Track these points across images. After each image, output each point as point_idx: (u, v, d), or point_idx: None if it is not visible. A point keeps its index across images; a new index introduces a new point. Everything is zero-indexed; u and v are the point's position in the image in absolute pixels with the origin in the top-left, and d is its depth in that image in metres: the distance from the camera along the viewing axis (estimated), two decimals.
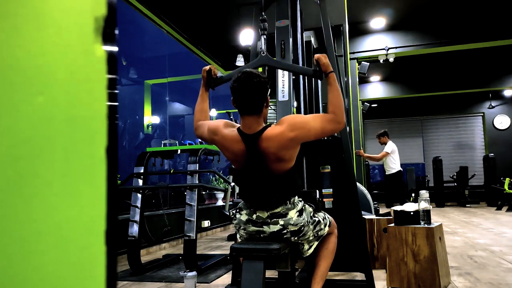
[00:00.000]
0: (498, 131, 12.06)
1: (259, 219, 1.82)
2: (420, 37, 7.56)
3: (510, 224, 6.19)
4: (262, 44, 2.22)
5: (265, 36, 2.25)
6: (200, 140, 2.12)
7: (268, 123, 1.88)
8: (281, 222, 1.80)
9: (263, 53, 2.16)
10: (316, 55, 1.93)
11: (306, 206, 1.92)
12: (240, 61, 7.00)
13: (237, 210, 1.94)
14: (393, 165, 6.56)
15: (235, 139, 1.80)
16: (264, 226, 1.82)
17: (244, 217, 1.87)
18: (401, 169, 6.68)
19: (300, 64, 2.91)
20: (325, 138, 3.07)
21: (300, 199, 1.92)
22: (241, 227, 1.90)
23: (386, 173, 6.75)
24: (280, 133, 1.73)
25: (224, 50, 7.67)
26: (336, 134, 2.83)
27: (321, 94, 3.94)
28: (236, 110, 1.84)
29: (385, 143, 6.64)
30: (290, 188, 1.83)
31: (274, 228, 1.80)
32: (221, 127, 1.86)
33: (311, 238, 1.92)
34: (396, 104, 12.58)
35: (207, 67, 2.08)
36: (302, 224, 1.82)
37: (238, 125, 1.86)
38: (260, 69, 2.50)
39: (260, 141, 1.74)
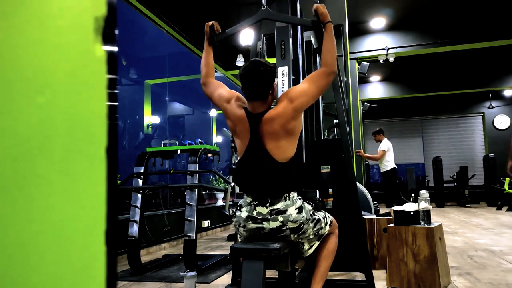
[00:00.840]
0: (498, 131, 12.06)
1: (259, 215, 1.84)
2: (420, 37, 7.56)
3: (510, 224, 6.19)
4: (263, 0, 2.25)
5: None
6: (214, 103, 2.19)
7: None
8: (281, 218, 1.81)
9: (264, 7, 2.20)
10: (315, 5, 2.01)
11: (305, 204, 1.93)
12: (240, 61, 7.00)
13: (238, 208, 1.95)
14: (387, 162, 6.66)
15: (241, 117, 1.89)
16: (264, 223, 1.83)
17: (244, 214, 1.88)
18: (396, 166, 6.76)
19: (300, 66, 2.91)
20: (325, 138, 3.08)
21: (300, 197, 1.93)
22: (241, 225, 1.90)
23: (381, 171, 6.82)
24: (282, 108, 1.83)
25: (224, 50, 7.68)
26: (335, 130, 2.83)
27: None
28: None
29: (380, 141, 6.76)
30: (289, 178, 1.85)
31: (274, 224, 1.81)
32: (235, 99, 1.96)
33: (311, 236, 1.92)
34: (396, 104, 12.58)
35: (210, 23, 2.17)
36: (301, 221, 1.83)
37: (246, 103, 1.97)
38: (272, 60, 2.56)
39: (263, 121, 1.83)
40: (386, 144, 6.70)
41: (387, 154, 6.67)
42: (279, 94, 2.45)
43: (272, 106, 1.95)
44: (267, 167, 1.84)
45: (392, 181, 6.73)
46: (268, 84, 1.87)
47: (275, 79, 1.92)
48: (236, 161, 2.04)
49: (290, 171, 1.86)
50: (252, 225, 1.86)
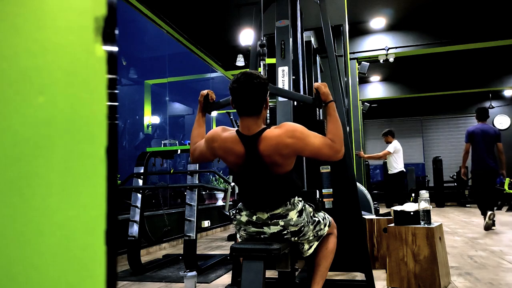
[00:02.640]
0: None
1: (259, 220, 1.82)
2: (420, 37, 7.56)
3: (510, 224, 6.19)
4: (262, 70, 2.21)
5: (264, 62, 2.24)
6: (202, 162, 2.09)
7: (267, 125, 1.86)
8: (281, 223, 1.79)
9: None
10: (316, 84, 1.92)
11: (306, 206, 1.91)
12: (240, 61, 7.00)
13: (237, 211, 1.94)
14: (396, 164, 6.53)
15: (234, 141, 1.77)
16: (264, 227, 1.82)
17: (244, 218, 1.87)
18: (404, 170, 6.66)
19: (300, 66, 2.91)
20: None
21: (300, 199, 1.92)
22: (242, 228, 1.90)
23: (388, 172, 6.74)
24: (278, 135, 1.71)
25: (224, 50, 7.67)
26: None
27: None
28: (235, 111, 1.83)
29: (390, 142, 6.63)
30: (289, 189, 1.82)
31: (275, 229, 1.80)
32: (219, 131, 1.84)
33: (311, 238, 1.92)
34: (396, 104, 12.58)
35: (205, 92, 2.06)
36: (302, 224, 1.82)
37: (235, 128, 1.84)
38: (260, 69, 2.50)
39: (259, 143, 1.72)
40: (393, 146, 6.57)
41: (396, 156, 6.51)
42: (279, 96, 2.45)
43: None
44: (265, 180, 1.77)
45: (397, 185, 6.58)
46: (262, 98, 1.74)
47: (268, 92, 1.81)
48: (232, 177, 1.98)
49: (290, 182, 1.80)
50: (252, 229, 1.85)
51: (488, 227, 5.19)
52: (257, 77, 1.74)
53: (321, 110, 2.61)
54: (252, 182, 1.80)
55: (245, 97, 1.73)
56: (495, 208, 5.43)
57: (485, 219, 5.24)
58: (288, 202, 1.81)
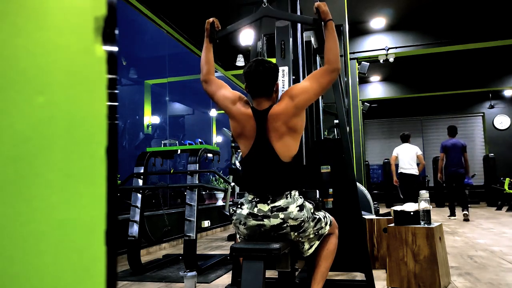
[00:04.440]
0: (498, 131, 12.06)
1: (260, 212, 1.84)
2: (420, 37, 7.56)
3: (510, 224, 6.19)
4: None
5: None
6: (207, 94, 2.20)
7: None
8: (281, 215, 1.82)
9: (264, 4, 2.20)
10: (316, 3, 2.02)
11: (306, 202, 1.93)
12: (240, 61, 7.00)
13: (239, 205, 1.95)
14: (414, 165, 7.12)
15: (248, 115, 1.90)
16: (264, 220, 1.83)
17: (245, 211, 1.89)
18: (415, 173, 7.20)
19: (300, 66, 2.91)
20: (324, 137, 3.07)
21: (301, 196, 1.93)
22: (241, 222, 1.90)
23: (407, 172, 7.02)
24: (285, 104, 1.86)
25: (224, 50, 7.68)
26: (335, 130, 2.82)
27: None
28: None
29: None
30: (292, 176, 1.89)
31: (275, 221, 1.82)
32: (240, 100, 1.98)
33: (311, 236, 1.92)
34: (396, 104, 12.57)
35: (211, 20, 2.18)
36: (302, 219, 1.84)
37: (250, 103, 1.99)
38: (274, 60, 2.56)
39: (269, 116, 1.86)
40: (395, 150, 7.21)
41: (412, 159, 7.04)
42: (279, 95, 2.45)
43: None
44: (272, 165, 1.87)
45: (414, 185, 7.00)
46: (272, 80, 1.92)
47: (278, 76, 1.96)
48: (240, 159, 2.07)
49: (293, 170, 1.89)
50: (252, 222, 1.86)
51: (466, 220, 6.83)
52: (268, 62, 1.92)
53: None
54: (258, 163, 1.89)
55: (258, 79, 1.90)
56: (468, 205, 7.12)
57: (454, 214, 7.26)
58: (289, 195, 1.85)
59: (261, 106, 1.92)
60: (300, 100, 1.86)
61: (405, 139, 7.22)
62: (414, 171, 6.96)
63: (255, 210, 1.86)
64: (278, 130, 1.85)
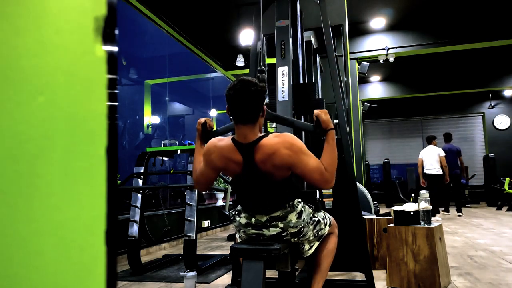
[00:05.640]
0: (498, 131, 12.05)
1: (258, 223, 1.82)
2: (420, 37, 7.56)
3: (510, 224, 6.19)
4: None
5: (265, 84, 2.21)
6: (211, 186, 2.02)
7: (266, 132, 1.83)
8: (281, 225, 1.79)
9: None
10: (316, 112, 1.87)
11: (306, 207, 1.91)
12: (240, 61, 6.99)
13: (236, 213, 1.94)
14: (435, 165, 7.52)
15: (231, 149, 1.75)
16: (263, 229, 1.82)
17: (243, 220, 1.87)
18: (436, 173, 7.55)
19: (300, 66, 2.91)
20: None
21: (299, 200, 1.92)
22: (241, 230, 1.90)
23: (430, 172, 7.44)
24: (275, 143, 1.68)
25: (224, 50, 7.67)
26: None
27: (321, 94, 3.94)
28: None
29: (435, 145, 7.69)
30: (288, 193, 1.80)
31: (274, 231, 1.80)
32: (214, 142, 1.81)
33: (311, 238, 1.92)
34: (396, 104, 12.57)
35: (202, 120, 2.02)
36: (301, 225, 1.82)
37: (230, 136, 1.82)
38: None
39: (256, 151, 1.70)
40: (421, 153, 7.74)
41: (436, 160, 7.49)
42: (279, 95, 2.45)
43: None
44: (263, 187, 1.76)
45: (439, 186, 7.47)
46: (258, 105, 1.71)
47: (266, 99, 1.78)
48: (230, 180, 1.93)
49: (289, 186, 1.79)
50: (252, 231, 1.85)
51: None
52: (254, 84, 1.70)
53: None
54: (250, 189, 1.79)
55: (241, 104, 1.69)
56: (462, 207, 8.02)
57: (440, 211, 7.91)
58: (287, 205, 1.81)
59: (246, 137, 1.72)
60: (290, 157, 1.67)
61: (429, 141, 7.77)
62: (437, 171, 7.44)
63: (253, 220, 1.82)
64: (264, 163, 1.70)
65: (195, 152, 2.03)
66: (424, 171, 7.54)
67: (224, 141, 1.79)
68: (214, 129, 2.09)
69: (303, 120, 2.75)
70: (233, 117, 1.75)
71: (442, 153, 7.47)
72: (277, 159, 1.68)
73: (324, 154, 1.78)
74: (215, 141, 1.83)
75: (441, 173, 7.40)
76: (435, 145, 7.62)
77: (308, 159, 1.70)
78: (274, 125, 2.54)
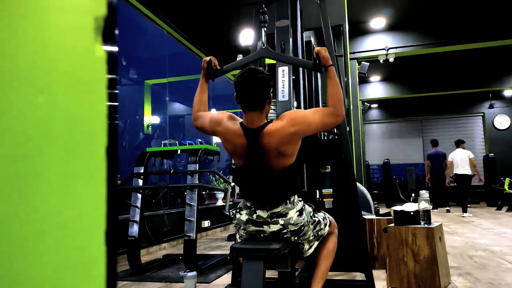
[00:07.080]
0: (498, 131, 12.05)
1: (259, 219, 1.83)
2: (420, 37, 7.56)
3: (510, 224, 6.19)
4: (263, 37, 2.21)
5: (265, 29, 2.24)
6: (201, 132, 2.11)
7: (269, 120, 1.88)
8: (281, 221, 1.80)
9: (264, 45, 2.16)
10: (316, 48, 1.94)
11: (306, 206, 1.92)
12: None
13: (237, 210, 1.94)
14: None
15: (237, 133, 1.81)
16: (264, 226, 1.82)
17: (244, 217, 1.88)
18: (460, 173, 8.16)
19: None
20: (325, 137, 3.07)
21: (300, 199, 1.93)
22: (241, 227, 1.90)
23: (460, 173, 8.04)
24: (281, 127, 1.75)
25: (224, 50, 7.67)
26: (335, 130, 2.82)
27: (321, 93, 3.94)
28: (236, 110, 1.85)
29: (464, 148, 8.33)
30: (289, 186, 1.83)
31: (274, 227, 1.81)
32: (225, 119, 1.89)
33: (311, 238, 1.92)
34: (396, 104, 12.57)
35: (208, 58, 2.12)
36: (302, 224, 1.83)
37: (241, 119, 1.88)
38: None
39: (262, 136, 1.76)
40: (450, 155, 8.36)
41: (465, 161, 8.12)
42: (279, 95, 2.45)
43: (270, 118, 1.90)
44: (266, 178, 1.80)
45: (465, 186, 8.06)
46: (265, 92, 1.79)
47: (272, 88, 1.85)
48: (234, 168, 1.99)
49: (290, 179, 1.82)
50: (252, 228, 1.86)
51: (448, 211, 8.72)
52: (261, 72, 1.79)
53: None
54: (253, 177, 1.83)
55: (249, 91, 1.77)
56: (449, 203, 9.00)
57: (435, 208, 9.17)
58: (288, 201, 1.82)
59: (252, 123, 1.79)
60: (300, 129, 1.75)
61: (457, 144, 8.51)
62: (467, 171, 8.12)
63: (254, 216, 1.84)
64: (271, 149, 1.76)
65: (198, 88, 2.11)
66: (455, 172, 8.14)
67: (233, 122, 1.86)
68: (219, 67, 2.13)
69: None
70: (241, 104, 1.82)
71: (472, 155, 8.11)
72: (289, 137, 1.75)
73: (329, 91, 1.85)
74: (226, 117, 1.89)
75: (471, 173, 8.03)
76: (464, 148, 8.29)
77: (314, 116, 1.78)
78: (273, 107, 2.57)
